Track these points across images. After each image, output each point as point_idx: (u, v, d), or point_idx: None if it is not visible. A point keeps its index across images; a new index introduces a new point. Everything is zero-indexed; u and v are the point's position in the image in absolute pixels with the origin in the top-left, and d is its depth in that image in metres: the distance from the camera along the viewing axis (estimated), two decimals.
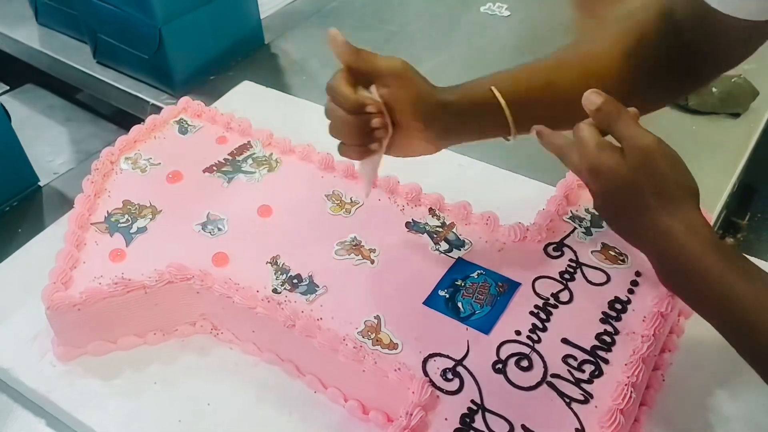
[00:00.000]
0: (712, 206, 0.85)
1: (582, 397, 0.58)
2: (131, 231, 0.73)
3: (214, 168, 0.80)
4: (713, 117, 0.99)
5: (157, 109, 0.89)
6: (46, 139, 1.05)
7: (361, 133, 0.58)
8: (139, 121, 0.87)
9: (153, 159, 0.81)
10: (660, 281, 0.56)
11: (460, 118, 0.60)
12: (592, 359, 0.61)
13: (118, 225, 0.73)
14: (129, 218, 0.74)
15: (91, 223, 0.73)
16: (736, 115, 0.99)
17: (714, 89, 0.98)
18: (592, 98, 0.53)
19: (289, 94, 1.04)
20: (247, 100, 0.99)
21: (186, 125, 0.86)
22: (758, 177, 1.08)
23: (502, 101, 0.60)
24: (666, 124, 0.99)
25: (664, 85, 0.64)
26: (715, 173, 0.90)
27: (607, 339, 0.62)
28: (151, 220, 0.74)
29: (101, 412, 0.64)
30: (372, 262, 0.70)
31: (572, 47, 0.65)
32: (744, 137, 0.97)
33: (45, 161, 1.00)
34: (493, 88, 0.60)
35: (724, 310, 0.51)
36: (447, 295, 0.66)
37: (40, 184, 0.94)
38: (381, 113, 0.57)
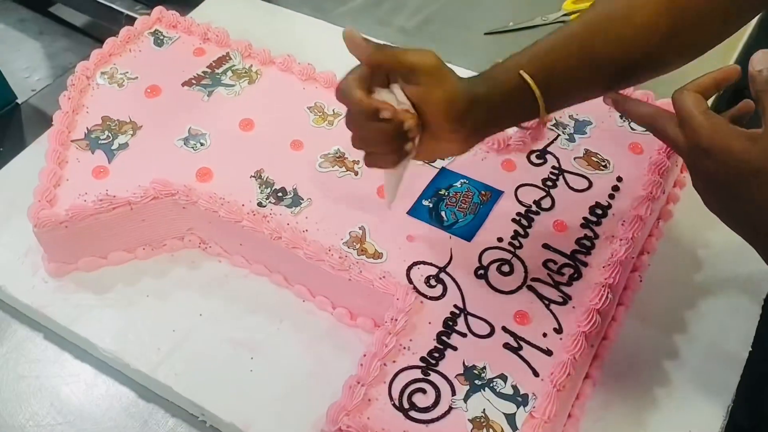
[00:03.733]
0: None
1: (561, 299, 0.60)
2: (112, 147, 0.72)
3: (193, 81, 0.78)
4: None
5: (132, 21, 0.86)
6: (20, 54, 1.02)
7: (392, 139, 0.52)
8: (114, 33, 0.85)
9: (130, 73, 0.79)
10: None
11: (493, 111, 0.54)
12: (571, 263, 0.62)
13: (99, 141, 0.73)
14: (109, 134, 0.73)
15: (72, 141, 0.73)
16: None
17: None
18: (760, 57, 0.44)
19: (267, 1, 1.01)
20: (223, 10, 0.95)
21: (161, 37, 0.84)
22: None
23: (534, 86, 0.53)
24: None
25: (709, 27, 0.56)
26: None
27: (587, 243, 0.64)
28: (132, 136, 0.73)
29: (97, 324, 0.66)
30: (356, 173, 0.70)
31: (602, 4, 0.56)
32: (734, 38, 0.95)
33: (21, 78, 0.97)
34: (522, 72, 0.53)
35: None
36: (431, 205, 0.67)
37: (18, 101, 0.92)
38: (412, 115, 0.51)
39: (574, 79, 0.55)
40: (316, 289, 0.66)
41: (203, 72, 0.79)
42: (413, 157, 0.55)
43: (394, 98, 0.52)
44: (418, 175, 0.69)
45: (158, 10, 0.86)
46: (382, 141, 0.53)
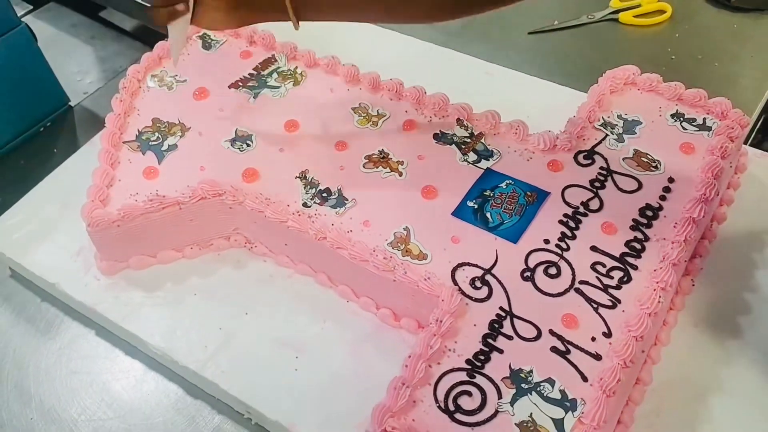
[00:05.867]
0: (752, 109, 0.83)
1: (610, 303, 0.59)
2: (162, 149, 0.74)
3: (240, 83, 0.80)
4: (757, 15, 0.94)
5: None
6: (72, 58, 1.05)
7: None
8: (163, 37, 0.86)
9: (179, 76, 0.81)
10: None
11: None
12: (620, 266, 0.61)
13: (150, 143, 0.74)
14: (159, 136, 0.75)
15: (123, 142, 0.74)
16: None
17: None
18: None
19: None
20: None
21: (209, 40, 0.85)
22: None
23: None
24: (707, 22, 0.95)
25: None
26: (757, 74, 0.87)
27: (637, 246, 0.62)
28: (180, 137, 0.75)
29: (146, 321, 0.67)
30: (400, 174, 0.70)
31: None
32: None
33: (74, 81, 1.00)
34: None
35: None
36: (476, 206, 0.67)
37: (71, 104, 0.95)
38: None
39: None
40: (361, 289, 0.66)
41: (249, 74, 0.80)
42: (195, 23, 0.63)
43: None
44: (462, 175, 0.69)
45: None
46: None
